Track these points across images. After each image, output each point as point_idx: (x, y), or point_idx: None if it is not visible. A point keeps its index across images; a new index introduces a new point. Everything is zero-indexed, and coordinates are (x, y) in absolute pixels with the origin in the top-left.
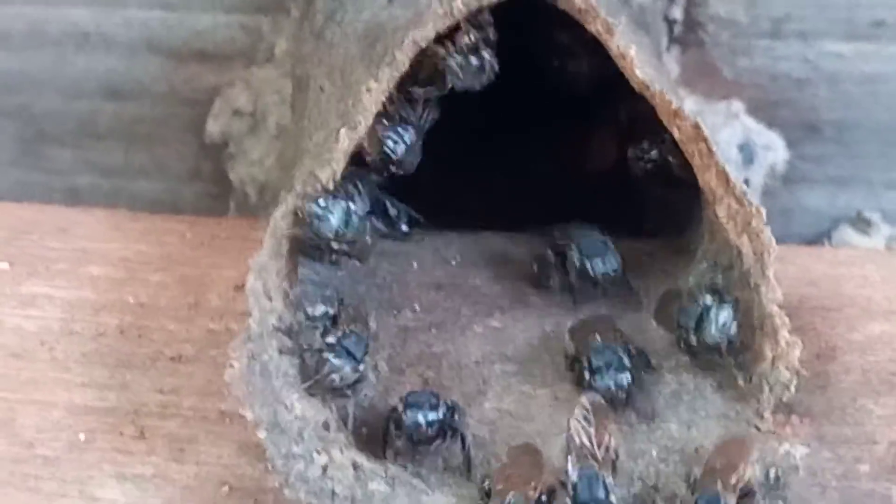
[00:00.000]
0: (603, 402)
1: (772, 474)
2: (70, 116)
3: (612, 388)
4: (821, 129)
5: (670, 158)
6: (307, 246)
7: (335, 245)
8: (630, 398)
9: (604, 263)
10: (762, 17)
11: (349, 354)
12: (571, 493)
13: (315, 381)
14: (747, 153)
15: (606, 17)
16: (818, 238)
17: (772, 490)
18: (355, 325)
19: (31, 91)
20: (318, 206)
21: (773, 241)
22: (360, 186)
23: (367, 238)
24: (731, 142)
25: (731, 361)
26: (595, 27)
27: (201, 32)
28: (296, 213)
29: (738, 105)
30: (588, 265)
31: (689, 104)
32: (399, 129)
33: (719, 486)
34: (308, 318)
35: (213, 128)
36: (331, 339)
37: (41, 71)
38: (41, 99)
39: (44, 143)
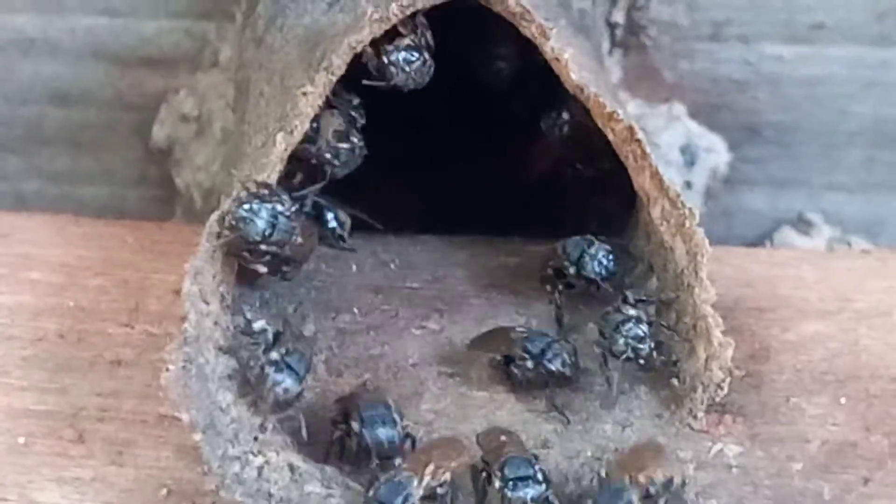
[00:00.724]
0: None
1: (676, 481)
2: (16, 123)
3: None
4: (762, 131)
5: (582, 120)
6: (239, 251)
7: (264, 248)
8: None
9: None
10: (703, 21)
11: (291, 370)
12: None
13: (258, 396)
14: (689, 156)
15: (542, 21)
16: (760, 240)
17: (672, 496)
18: (299, 344)
19: None
20: (244, 210)
21: (707, 242)
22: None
23: (297, 238)
24: (672, 144)
25: (662, 361)
26: (530, 31)
27: (147, 38)
28: (222, 219)
29: (679, 108)
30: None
31: (631, 107)
32: (343, 133)
33: (626, 480)
34: (250, 334)
35: (159, 133)
36: (274, 356)
37: None
38: None
39: None
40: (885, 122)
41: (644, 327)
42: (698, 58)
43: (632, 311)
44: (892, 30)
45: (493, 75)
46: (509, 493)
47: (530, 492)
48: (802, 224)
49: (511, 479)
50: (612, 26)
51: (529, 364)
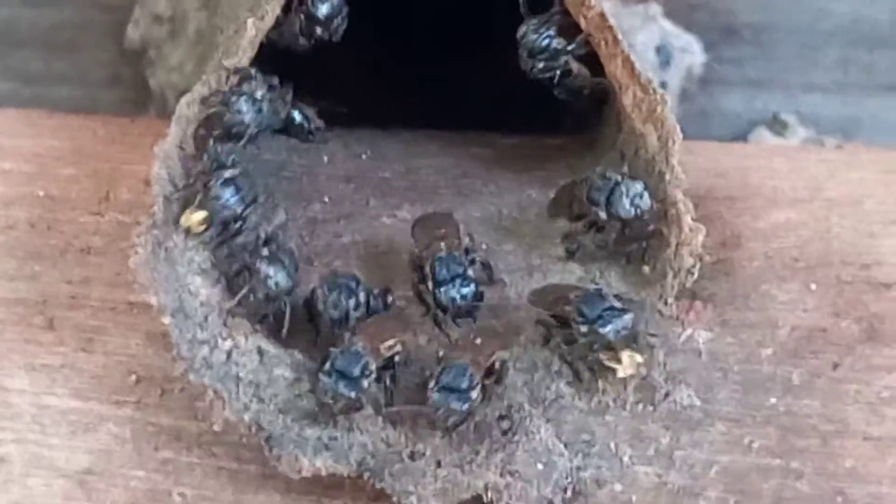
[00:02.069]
0: None
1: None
2: None
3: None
4: (738, 31)
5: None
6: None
7: (254, 131)
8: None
9: None
10: None
11: (282, 265)
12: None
13: (248, 291)
14: (664, 56)
15: None
16: (735, 140)
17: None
18: (283, 251)
19: None
20: (224, 103)
21: (678, 127)
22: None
23: (280, 116)
24: (648, 44)
25: (635, 246)
26: None
27: None
28: (209, 115)
29: (655, 8)
30: None
31: (607, 6)
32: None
33: None
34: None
35: (133, 34)
36: (265, 251)
37: None
38: None
39: None
40: (863, 22)
41: (638, 185)
42: None
43: (619, 177)
44: None
45: None
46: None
47: (619, 323)
48: (777, 125)
49: (593, 319)
50: None
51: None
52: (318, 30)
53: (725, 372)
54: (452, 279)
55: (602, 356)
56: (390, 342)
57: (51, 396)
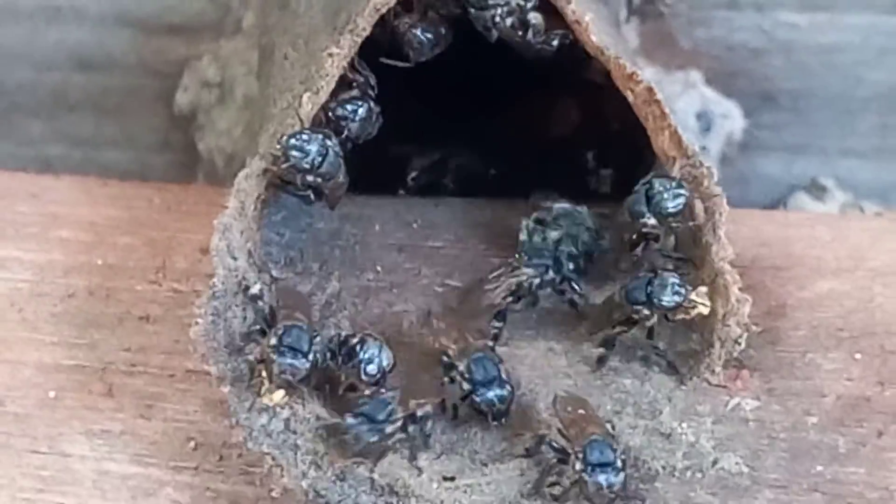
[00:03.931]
0: None
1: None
2: (42, 88)
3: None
4: (777, 98)
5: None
6: (281, 183)
7: (310, 178)
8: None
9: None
10: None
11: (293, 350)
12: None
13: (272, 383)
14: (705, 122)
15: None
16: (774, 205)
17: None
18: (293, 319)
19: (4, 63)
20: (297, 139)
21: (725, 201)
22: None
23: (341, 177)
24: (688, 111)
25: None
26: None
27: (171, 5)
28: (272, 154)
29: (695, 75)
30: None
31: (648, 74)
32: (353, 104)
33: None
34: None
35: (182, 99)
36: (273, 341)
37: (13, 44)
38: (14, 71)
39: (17, 114)
40: None
41: (672, 277)
42: (714, 25)
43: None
44: None
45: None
46: (587, 478)
47: (610, 478)
48: (816, 189)
49: (592, 465)
50: None
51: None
52: (347, 142)
53: (772, 439)
54: (490, 381)
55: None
56: (423, 402)
57: (111, 462)
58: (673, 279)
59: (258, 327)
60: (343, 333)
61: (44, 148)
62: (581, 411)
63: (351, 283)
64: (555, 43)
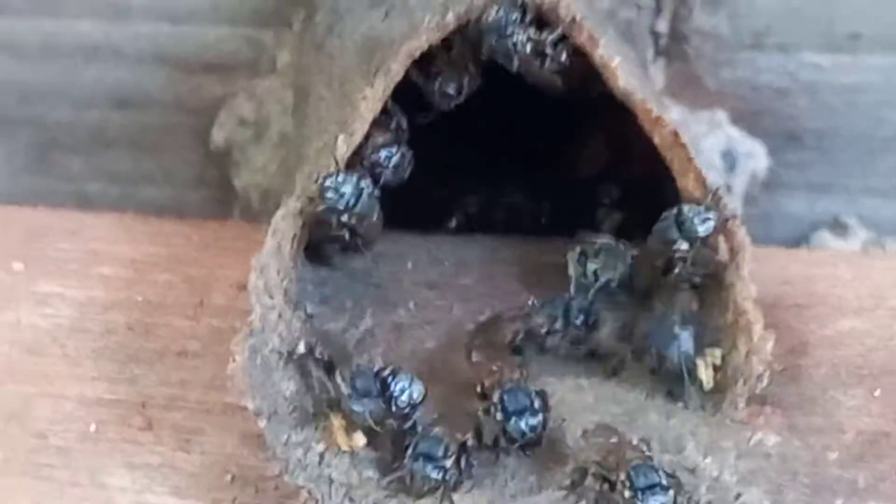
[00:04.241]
0: None
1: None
2: (81, 125)
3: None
4: (801, 137)
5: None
6: (317, 223)
7: (345, 219)
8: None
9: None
10: (744, 30)
11: (367, 394)
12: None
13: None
14: (730, 161)
15: (591, 29)
16: (797, 242)
17: None
18: (360, 364)
19: (44, 101)
20: (332, 180)
21: (749, 240)
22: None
23: (375, 217)
24: (714, 150)
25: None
26: (580, 39)
27: (207, 45)
28: (309, 198)
29: (721, 114)
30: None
31: (675, 113)
32: (388, 149)
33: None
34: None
35: (218, 136)
36: (346, 390)
37: (54, 82)
38: (54, 109)
39: (56, 151)
40: None
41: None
42: (739, 66)
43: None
44: None
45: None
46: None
47: (661, 499)
48: (839, 227)
49: (641, 489)
50: (656, 35)
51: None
52: (386, 171)
53: (794, 474)
54: (522, 411)
55: None
56: (466, 435)
57: (150, 494)
58: (695, 209)
59: (316, 377)
60: (375, 367)
61: (83, 184)
62: (614, 440)
63: (383, 319)
64: (563, 58)
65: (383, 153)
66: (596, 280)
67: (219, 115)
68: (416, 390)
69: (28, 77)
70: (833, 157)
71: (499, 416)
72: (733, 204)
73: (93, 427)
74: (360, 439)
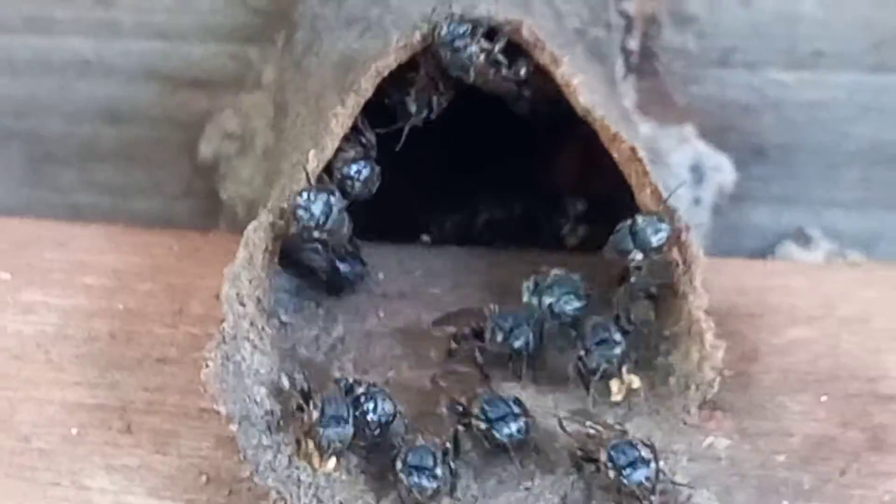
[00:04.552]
0: None
1: None
2: (73, 139)
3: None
4: (766, 151)
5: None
6: (291, 237)
7: (316, 234)
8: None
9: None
10: (711, 48)
11: (336, 419)
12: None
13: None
14: (698, 174)
15: (553, 50)
16: (763, 253)
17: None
18: (330, 389)
19: (37, 115)
20: (302, 198)
21: (701, 253)
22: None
23: (345, 230)
24: (683, 163)
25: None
26: (543, 59)
27: (195, 61)
28: (281, 210)
29: (689, 129)
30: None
31: (645, 128)
32: (357, 164)
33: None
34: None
35: (206, 149)
36: (315, 415)
37: (47, 97)
38: (47, 123)
39: (49, 164)
40: (881, 144)
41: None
42: (707, 83)
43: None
44: (887, 58)
45: (516, 102)
46: (625, 481)
47: (643, 473)
48: (803, 238)
49: (624, 466)
50: (627, 52)
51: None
52: (351, 196)
53: (743, 477)
54: (504, 416)
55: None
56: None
57: (129, 495)
58: (648, 219)
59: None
60: (350, 380)
61: (75, 196)
62: (589, 423)
63: (354, 328)
64: (522, 73)
65: (353, 167)
66: (552, 314)
67: (206, 129)
68: (387, 408)
69: (22, 92)
70: (797, 171)
71: (483, 426)
72: (699, 217)
73: (74, 430)
74: (330, 463)
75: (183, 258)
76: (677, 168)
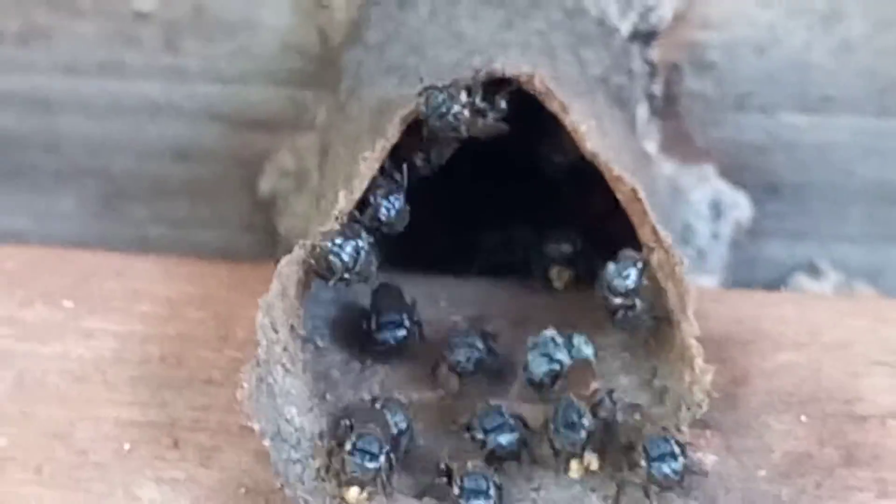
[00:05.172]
0: None
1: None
2: (143, 176)
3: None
4: (780, 189)
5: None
6: (320, 275)
7: (346, 276)
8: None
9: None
10: (729, 94)
11: (364, 453)
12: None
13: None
14: (716, 210)
15: (562, 98)
16: (777, 283)
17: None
18: (371, 426)
19: (110, 154)
20: (333, 244)
21: (692, 285)
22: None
23: (373, 269)
24: (702, 200)
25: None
26: (553, 106)
27: (255, 104)
28: (314, 249)
29: (709, 168)
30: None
31: (668, 168)
32: (390, 198)
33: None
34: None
35: (264, 186)
36: (348, 447)
37: (119, 136)
38: (119, 161)
39: (121, 199)
40: (885, 183)
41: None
42: (725, 125)
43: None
44: (890, 103)
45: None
46: (654, 472)
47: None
48: (813, 271)
49: (654, 458)
50: (651, 97)
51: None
52: (383, 230)
53: (727, 489)
54: (500, 427)
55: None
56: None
57: None
58: (615, 267)
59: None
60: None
61: (144, 229)
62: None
63: None
64: (503, 105)
65: (383, 204)
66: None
67: (265, 167)
68: (400, 419)
69: (96, 132)
70: (808, 208)
71: (479, 436)
72: (718, 250)
73: (127, 446)
74: (353, 493)
75: (231, 288)
76: (697, 205)
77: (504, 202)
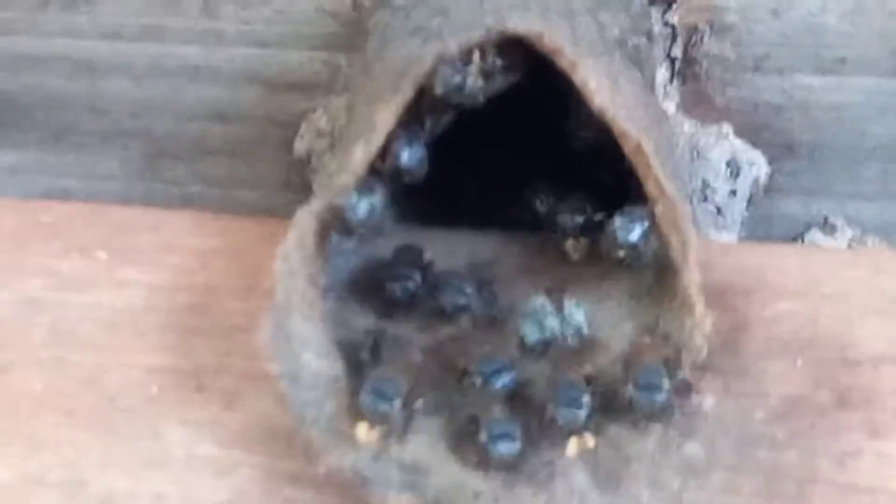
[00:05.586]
0: None
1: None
2: (184, 136)
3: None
4: (795, 148)
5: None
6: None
7: (361, 230)
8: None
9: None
10: (746, 56)
11: (379, 394)
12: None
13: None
14: (734, 168)
15: (571, 55)
16: (793, 239)
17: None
18: (394, 366)
19: (152, 115)
20: (346, 199)
21: (694, 234)
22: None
23: (387, 223)
24: (720, 159)
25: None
26: (562, 63)
27: (292, 67)
28: (329, 205)
29: (727, 128)
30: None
31: (687, 127)
32: (411, 145)
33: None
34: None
35: (300, 146)
36: (367, 386)
37: (161, 98)
38: (161, 122)
39: (163, 159)
40: None
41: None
42: (743, 86)
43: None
44: None
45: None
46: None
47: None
48: (828, 227)
49: (641, 387)
50: (671, 59)
51: None
52: (404, 178)
53: (726, 431)
54: (500, 370)
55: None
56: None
57: (200, 446)
58: (621, 220)
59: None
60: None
61: (186, 187)
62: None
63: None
64: (499, 64)
65: (403, 151)
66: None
67: (300, 128)
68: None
69: (139, 94)
70: (823, 166)
71: (478, 380)
72: (736, 206)
73: (155, 389)
74: (361, 429)
75: (259, 241)
76: (716, 163)
77: (535, 174)
